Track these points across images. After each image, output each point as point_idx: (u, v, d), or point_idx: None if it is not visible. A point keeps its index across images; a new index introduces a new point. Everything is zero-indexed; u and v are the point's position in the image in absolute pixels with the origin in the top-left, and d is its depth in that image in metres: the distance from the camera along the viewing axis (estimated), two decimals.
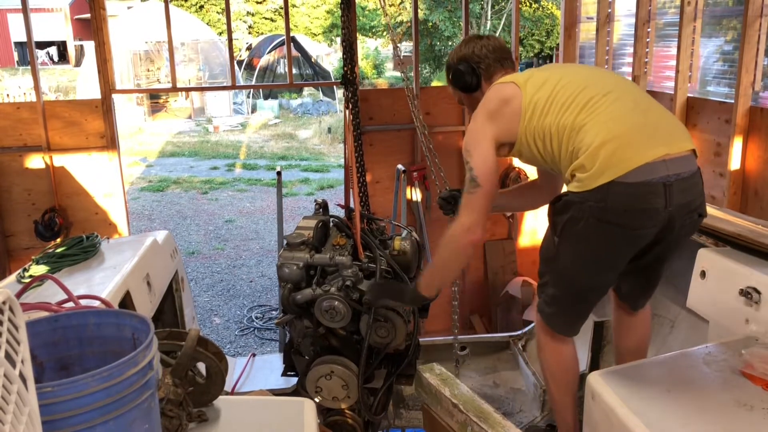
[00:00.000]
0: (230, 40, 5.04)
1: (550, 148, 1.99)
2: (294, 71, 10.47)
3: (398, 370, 2.31)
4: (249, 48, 21.17)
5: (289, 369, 2.44)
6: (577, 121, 1.91)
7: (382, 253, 2.25)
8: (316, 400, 2.15)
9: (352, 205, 2.72)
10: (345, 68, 3.53)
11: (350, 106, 3.02)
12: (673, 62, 4.03)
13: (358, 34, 4.34)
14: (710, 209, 2.86)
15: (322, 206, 2.50)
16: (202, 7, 25.00)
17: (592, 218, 1.88)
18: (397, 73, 22.77)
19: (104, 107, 4.69)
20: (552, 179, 2.41)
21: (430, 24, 16.87)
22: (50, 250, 2.64)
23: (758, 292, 2.04)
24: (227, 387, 2.36)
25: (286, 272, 2.12)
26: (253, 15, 26.19)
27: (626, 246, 1.95)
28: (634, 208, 1.85)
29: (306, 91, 19.40)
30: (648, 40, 4.42)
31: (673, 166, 1.85)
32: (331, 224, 2.47)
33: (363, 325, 2.11)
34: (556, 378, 2.17)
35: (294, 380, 3.61)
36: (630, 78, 4.56)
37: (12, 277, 2.48)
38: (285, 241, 2.19)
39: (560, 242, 2.02)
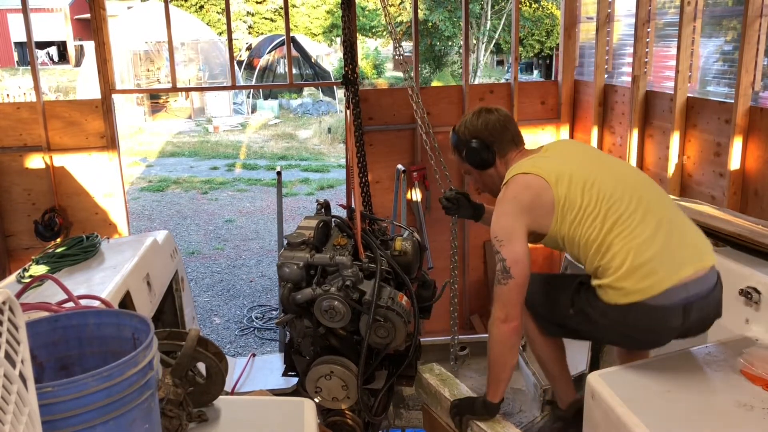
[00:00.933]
0: (230, 40, 5.04)
1: (577, 253, 2.04)
2: (294, 71, 10.47)
3: (399, 371, 2.30)
4: (249, 48, 21.18)
5: (289, 369, 2.43)
6: (606, 240, 1.95)
7: (383, 253, 2.24)
8: (316, 400, 2.15)
9: (354, 205, 2.71)
10: (346, 68, 3.52)
11: (351, 106, 3.00)
12: (673, 62, 4.03)
13: (358, 34, 4.34)
14: (710, 209, 2.86)
15: (324, 206, 2.50)
16: (202, 7, 25.00)
17: (612, 326, 1.99)
18: (397, 73, 22.77)
19: (104, 107, 4.69)
20: None
21: (430, 24, 16.87)
22: (50, 250, 2.64)
23: (758, 292, 2.04)
24: (227, 387, 2.35)
25: (287, 272, 2.12)
26: (253, 15, 26.19)
27: (636, 346, 2.16)
28: (653, 328, 1.95)
29: (306, 91, 19.40)
30: (648, 40, 4.42)
31: (694, 287, 1.91)
32: (333, 224, 2.46)
33: (363, 326, 2.10)
34: (553, 358, 2.30)
35: (294, 380, 3.62)
36: (630, 78, 4.56)
37: (12, 277, 2.48)
38: (285, 241, 2.18)
39: (575, 315, 2.09)
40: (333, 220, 2.46)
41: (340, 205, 2.62)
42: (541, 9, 19.33)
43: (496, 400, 2.11)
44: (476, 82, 15.90)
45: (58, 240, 4.36)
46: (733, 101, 3.58)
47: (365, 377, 2.20)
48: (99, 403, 1.07)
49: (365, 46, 22.15)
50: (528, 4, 18.87)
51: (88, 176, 4.79)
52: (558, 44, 6.22)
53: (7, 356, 0.86)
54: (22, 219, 4.73)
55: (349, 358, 2.16)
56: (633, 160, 4.55)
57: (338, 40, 24.52)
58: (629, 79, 4.60)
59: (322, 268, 2.17)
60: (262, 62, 18.48)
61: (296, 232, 2.21)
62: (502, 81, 13.23)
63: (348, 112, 2.98)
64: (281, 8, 14.55)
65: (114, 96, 4.77)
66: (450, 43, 17.93)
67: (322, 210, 2.48)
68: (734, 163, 3.61)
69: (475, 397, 2.22)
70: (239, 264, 7.56)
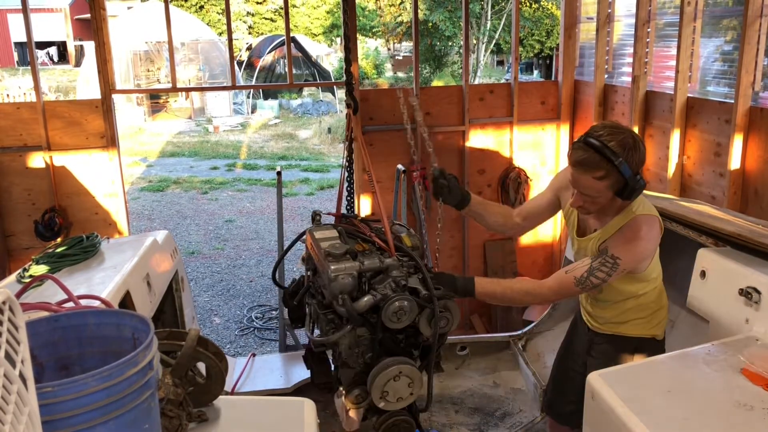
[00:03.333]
0: (230, 40, 5.04)
1: (645, 293, 2.31)
2: (294, 71, 10.47)
3: (435, 358, 2.31)
4: (249, 48, 21.19)
5: (327, 390, 2.43)
6: (661, 296, 2.40)
7: (408, 251, 2.26)
8: (381, 405, 2.13)
9: (349, 212, 2.72)
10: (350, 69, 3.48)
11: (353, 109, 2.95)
12: (673, 62, 4.03)
13: (358, 34, 4.33)
14: (710, 209, 2.86)
15: (315, 216, 2.51)
16: (202, 7, 25.01)
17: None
18: (398, 73, 22.79)
19: (104, 107, 4.69)
20: (532, 222, 2.56)
21: (431, 24, 16.87)
22: (50, 250, 2.64)
23: (758, 292, 2.04)
24: (227, 387, 2.35)
25: (343, 283, 2.09)
26: (253, 15, 26.20)
27: None
28: None
29: (306, 91, 19.41)
30: (648, 40, 4.42)
31: None
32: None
33: (422, 320, 2.11)
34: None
35: (294, 380, 3.62)
36: (630, 78, 4.56)
37: (12, 277, 2.48)
38: (326, 253, 2.16)
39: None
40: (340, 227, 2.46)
41: (329, 214, 2.60)
42: (541, 9, 19.32)
43: (476, 293, 2.25)
44: (476, 82, 15.90)
45: (58, 240, 4.36)
46: (733, 101, 3.58)
47: (430, 370, 2.24)
48: (99, 403, 1.07)
49: (365, 46, 22.15)
50: (528, 4, 18.86)
51: (88, 176, 4.78)
52: (558, 44, 6.22)
53: (7, 356, 0.86)
54: (22, 219, 4.73)
55: (402, 356, 2.17)
56: None
57: (338, 40, 24.55)
58: (629, 79, 4.60)
59: (372, 273, 2.16)
60: (262, 62, 18.48)
61: (336, 244, 2.20)
62: (503, 81, 13.23)
63: (350, 113, 2.91)
64: (281, 8, 14.54)
65: (114, 96, 4.77)
66: (450, 43, 17.92)
67: (320, 220, 2.49)
68: (734, 163, 3.61)
69: (456, 276, 2.29)
70: (239, 264, 7.56)
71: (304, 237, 2.49)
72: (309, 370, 2.53)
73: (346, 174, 2.79)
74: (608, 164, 2.00)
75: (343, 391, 2.22)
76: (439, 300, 2.11)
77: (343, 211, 2.72)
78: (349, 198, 2.81)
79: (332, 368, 2.42)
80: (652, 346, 2.34)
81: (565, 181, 2.33)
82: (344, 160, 2.78)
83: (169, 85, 5.15)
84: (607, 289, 2.26)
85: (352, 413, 2.25)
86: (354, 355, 2.16)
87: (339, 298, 2.06)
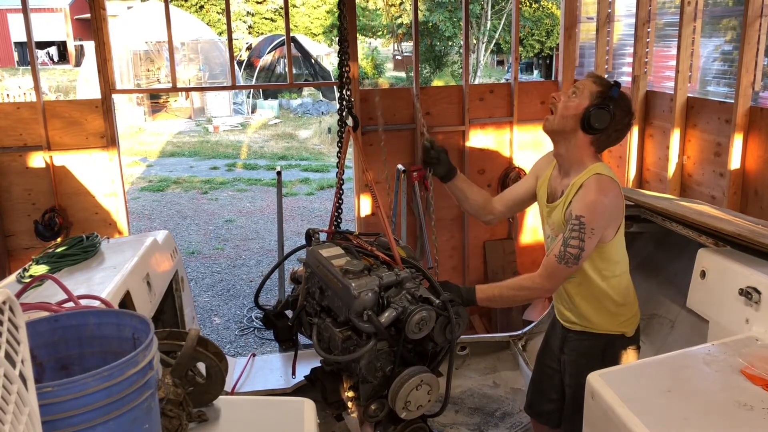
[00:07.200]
0: (230, 40, 5.04)
1: (609, 277, 2.33)
2: (294, 71, 10.46)
3: (437, 363, 2.32)
4: (249, 48, 21.19)
5: (340, 407, 2.42)
6: (629, 291, 2.42)
7: (414, 263, 2.28)
8: (403, 415, 2.14)
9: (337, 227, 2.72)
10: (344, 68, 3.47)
11: (347, 115, 2.89)
12: (673, 62, 4.03)
13: (358, 34, 4.33)
14: (710, 209, 2.86)
15: (312, 234, 2.51)
16: (202, 7, 25.02)
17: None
18: (397, 73, 22.78)
19: (104, 107, 4.69)
20: (512, 209, 2.64)
21: (431, 24, 16.87)
22: (50, 250, 2.64)
23: (758, 292, 2.04)
24: (227, 387, 2.35)
25: (366, 299, 2.10)
26: (253, 15, 26.21)
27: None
28: None
29: (306, 91, 19.41)
30: (648, 40, 4.42)
31: None
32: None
33: (436, 328, 2.11)
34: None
35: (293, 381, 3.62)
36: (630, 78, 4.56)
37: (12, 277, 2.48)
38: (345, 271, 2.16)
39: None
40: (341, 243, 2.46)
41: (322, 231, 2.60)
42: (541, 9, 19.33)
43: (477, 300, 2.35)
44: (476, 82, 15.91)
45: (58, 240, 4.36)
46: (733, 101, 3.58)
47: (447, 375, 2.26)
48: (99, 403, 1.07)
49: (365, 46, 22.16)
50: (528, 4, 18.87)
51: (88, 176, 4.79)
52: (558, 44, 6.22)
53: (7, 356, 0.86)
54: (22, 219, 4.73)
55: (417, 364, 2.18)
56: (633, 160, 4.56)
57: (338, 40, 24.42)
58: (629, 79, 4.60)
59: (386, 287, 2.17)
60: (262, 62, 18.49)
61: (353, 261, 2.20)
62: (503, 81, 13.22)
63: (348, 125, 2.85)
64: (281, 8, 14.54)
65: (114, 96, 4.77)
66: (450, 43, 17.92)
67: (318, 238, 2.49)
68: (734, 162, 3.61)
69: (460, 286, 2.35)
70: (239, 264, 7.56)
71: (299, 253, 2.49)
72: (321, 389, 2.49)
73: (340, 192, 2.80)
74: (605, 90, 2.21)
75: (360, 407, 2.22)
76: (452, 306, 2.13)
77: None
78: (338, 212, 2.82)
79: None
80: (622, 343, 2.39)
81: (543, 163, 2.48)
82: (337, 180, 2.78)
83: (169, 85, 5.15)
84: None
85: (367, 426, 2.26)
86: (374, 369, 2.17)
87: (364, 314, 2.06)
